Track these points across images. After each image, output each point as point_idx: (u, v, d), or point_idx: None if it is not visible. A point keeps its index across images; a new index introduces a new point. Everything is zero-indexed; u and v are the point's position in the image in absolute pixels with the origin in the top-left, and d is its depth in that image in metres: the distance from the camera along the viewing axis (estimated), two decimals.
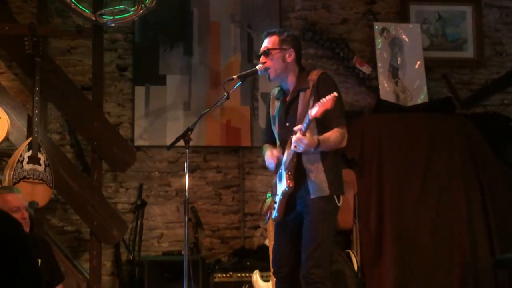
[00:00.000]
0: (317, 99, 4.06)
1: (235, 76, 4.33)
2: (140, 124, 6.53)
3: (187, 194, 4.37)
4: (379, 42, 6.72)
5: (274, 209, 4.27)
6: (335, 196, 4.17)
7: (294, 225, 4.27)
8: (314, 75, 4.22)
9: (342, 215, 6.03)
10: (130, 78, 6.63)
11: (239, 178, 6.67)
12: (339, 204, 4.20)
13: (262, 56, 4.28)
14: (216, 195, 6.65)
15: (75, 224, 6.39)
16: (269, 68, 4.26)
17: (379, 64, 6.67)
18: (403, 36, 6.75)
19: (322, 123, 4.08)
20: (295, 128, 3.90)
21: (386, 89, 6.62)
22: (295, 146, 3.90)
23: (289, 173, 4.10)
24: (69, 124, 6.42)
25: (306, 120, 3.84)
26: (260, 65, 4.29)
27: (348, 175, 6.17)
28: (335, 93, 3.75)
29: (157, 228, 6.54)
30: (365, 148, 6.27)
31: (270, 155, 4.31)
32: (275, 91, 4.48)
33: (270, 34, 4.32)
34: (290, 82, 4.30)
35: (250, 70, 4.35)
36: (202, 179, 6.64)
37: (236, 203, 6.66)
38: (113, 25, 6.07)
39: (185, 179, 4.39)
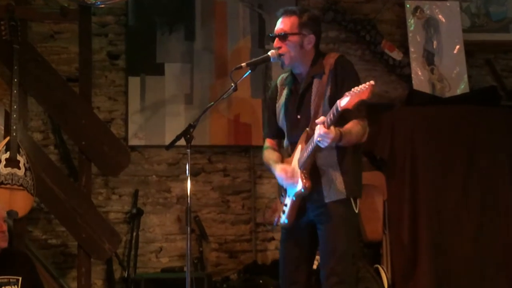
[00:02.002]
0: (334, 87, 4.06)
1: (244, 64, 4.30)
2: (135, 121, 6.53)
3: (189, 201, 4.35)
4: (411, 23, 6.69)
5: (283, 213, 4.23)
6: (352, 200, 4.14)
7: (305, 234, 4.24)
8: (330, 58, 4.20)
9: (370, 225, 6.04)
10: (123, 68, 6.63)
11: (249, 183, 6.66)
12: (356, 210, 4.16)
13: (276, 39, 4.26)
14: (223, 202, 6.64)
15: (60, 237, 6.39)
16: (283, 55, 4.23)
17: (411, 49, 6.64)
18: (440, 16, 6.72)
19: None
20: (317, 121, 3.86)
21: (420, 77, 6.59)
22: (319, 141, 3.86)
23: (304, 171, 4.07)
24: (53, 121, 6.42)
25: (333, 112, 3.79)
26: (273, 50, 4.27)
27: (377, 177, 6.15)
28: (372, 82, 3.70)
29: (155, 240, 6.53)
30: (396, 146, 6.24)
31: (283, 170, 4.26)
32: (283, 76, 4.46)
33: (288, 13, 4.28)
34: (304, 67, 4.28)
35: (262, 56, 4.32)
36: (207, 184, 6.63)
37: (246, 211, 6.65)
38: (102, 6, 6.06)
39: (187, 184, 4.37)
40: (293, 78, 4.33)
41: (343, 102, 3.71)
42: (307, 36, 4.23)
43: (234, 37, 6.70)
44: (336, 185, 4.10)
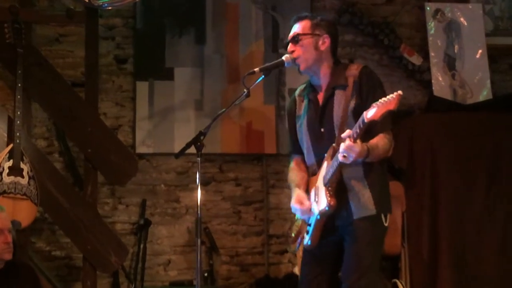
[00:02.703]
0: (359, 99, 4.05)
1: (257, 69, 4.29)
2: (143, 128, 6.55)
3: (199, 211, 4.35)
4: (431, 26, 6.68)
5: (307, 233, 4.22)
6: (382, 216, 4.14)
7: (328, 252, 4.23)
8: (354, 70, 4.17)
9: (388, 238, 5.93)
10: (131, 72, 6.65)
11: (262, 193, 6.67)
12: (386, 225, 4.16)
13: (290, 44, 4.27)
14: (234, 213, 6.65)
15: (65, 249, 6.41)
16: (298, 58, 4.23)
17: (432, 54, 6.63)
18: (461, 19, 6.70)
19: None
20: (343, 135, 3.83)
21: (440, 83, 6.57)
22: (344, 156, 3.85)
23: (330, 188, 4.05)
24: (58, 127, 6.45)
25: (360, 124, 3.76)
26: (287, 55, 4.27)
27: (395, 188, 6.12)
28: (400, 92, 3.66)
29: (163, 253, 6.55)
30: (415, 155, 6.23)
31: (298, 201, 4.26)
32: (301, 87, 4.45)
33: (300, 19, 4.31)
34: (323, 76, 4.26)
35: (276, 61, 4.33)
36: (218, 194, 6.64)
37: (258, 222, 6.65)
38: (110, 8, 6.06)
39: (197, 193, 4.38)
40: (312, 89, 4.31)
41: (370, 113, 3.67)
42: (321, 36, 4.22)
43: (246, 41, 6.71)
44: (364, 201, 4.09)
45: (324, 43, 4.23)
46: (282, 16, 6.68)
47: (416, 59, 6.71)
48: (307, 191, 4.28)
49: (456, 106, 6.49)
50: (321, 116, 4.21)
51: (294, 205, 4.26)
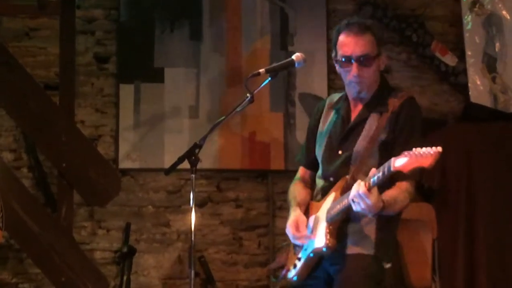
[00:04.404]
0: (391, 132, 4.03)
1: (262, 70, 4.28)
2: (127, 138, 6.55)
3: (193, 238, 4.34)
4: (468, 20, 6.67)
5: (294, 267, 4.20)
6: (382, 262, 4.09)
7: (319, 285, 4.21)
8: (397, 98, 4.11)
9: (416, 269, 5.96)
10: (113, 73, 6.67)
11: (267, 216, 6.66)
12: (387, 266, 4.11)
13: (354, 63, 4.08)
14: (234, 240, 6.65)
15: (34, 280, 6.40)
16: (361, 82, 4.10)
17: (468, 53, 6.63)
18: (503, 12, 6.69)
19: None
20: (369, 176, 3.80)
21: (478, 87, 6.56)
22: (353, 201, 3.81)
23: (331, 227, 4.02)
24: (27, 138, 6.44)
25: (384, 171, 3.70)
26: (297, 54, 4.24)
27: (424, 211, 6.09)
28: (440, 149, 3.60)
29: (150, 286, 6.55)
30: (448, 172, 6.21)
31: (295, 224, 4.23)
32: (334, 98, 4.40)
33: (361, 31, 4.11)
34: (365, 95, 4.19)
35: (284, 61, 4.31)
36: (215, 217, 6.64)
37: (263, 251, 6.65)
38: None
39: (190, 216, 4.36)
40: (347, 104, 4.26)
41: (399, 162, 3.60)
42: (381, 56, 4.18)
43: (250, 37, 6.73)
44: (365, 239, 4.07)
45: (383, 63, 4.21)
46: (293, 8, 6.67)
47: (450, 59, 6.70)
48: (306, 213, 4.28)
49: (497, 114, 6.48)
50: (344, 137, 4.16)
51: (289, 227, 4.24)
